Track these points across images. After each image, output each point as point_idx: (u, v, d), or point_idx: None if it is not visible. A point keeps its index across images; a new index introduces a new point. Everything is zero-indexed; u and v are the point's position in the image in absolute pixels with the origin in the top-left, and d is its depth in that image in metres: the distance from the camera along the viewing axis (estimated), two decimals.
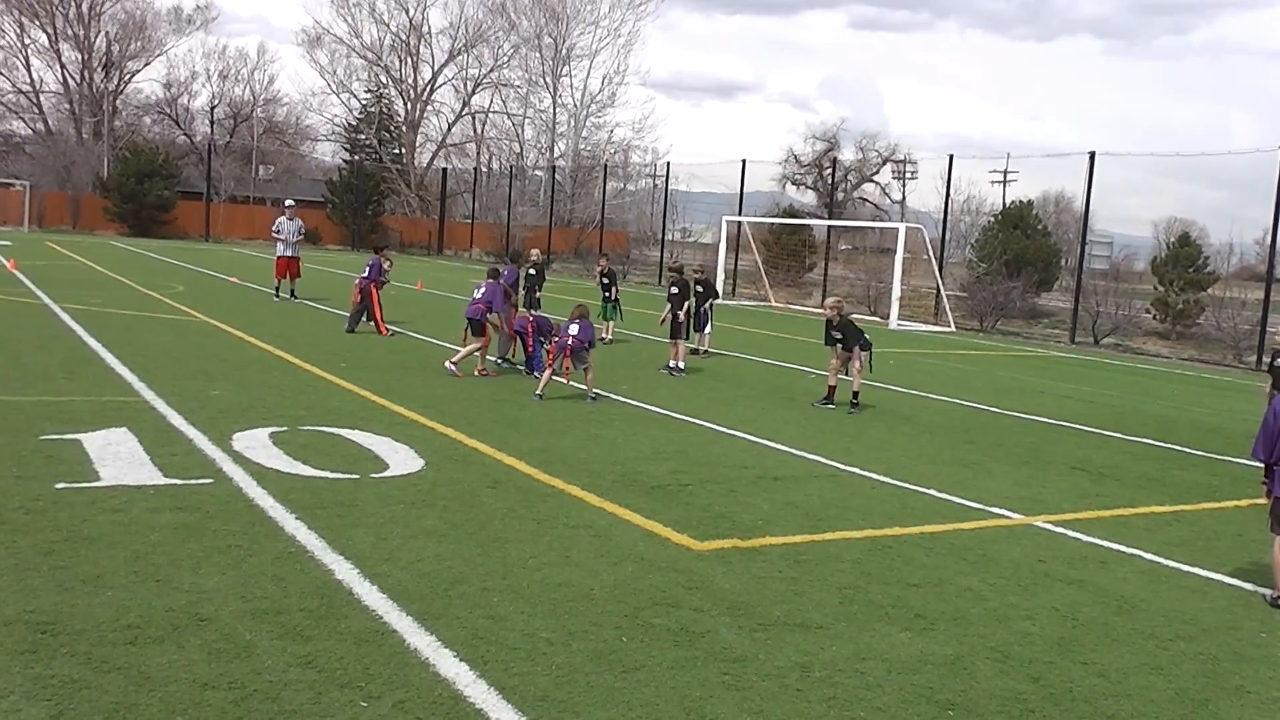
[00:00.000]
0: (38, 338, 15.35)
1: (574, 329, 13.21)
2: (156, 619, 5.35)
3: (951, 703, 5.07)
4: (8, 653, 4.84)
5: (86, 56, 73.54)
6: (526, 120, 76.70)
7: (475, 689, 4.81)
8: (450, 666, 5.02)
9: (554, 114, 74.27)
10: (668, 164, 53.59)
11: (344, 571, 6.24)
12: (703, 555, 7.10)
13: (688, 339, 16.96)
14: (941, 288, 35.16)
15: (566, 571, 6.55)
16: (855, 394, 13.94)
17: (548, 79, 73.91)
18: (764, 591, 6.45)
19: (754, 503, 8.60)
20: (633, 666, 5.20)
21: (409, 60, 76.07)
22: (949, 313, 33.71)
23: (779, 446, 11.03)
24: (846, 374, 14.14)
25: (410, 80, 76.45)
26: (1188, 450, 12.93)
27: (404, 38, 75.39)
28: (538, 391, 13.02)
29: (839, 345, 14.07)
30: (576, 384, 13.59)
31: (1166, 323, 33.93)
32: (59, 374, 12.31)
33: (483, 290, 14.78)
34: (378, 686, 4.77)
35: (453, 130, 78.53)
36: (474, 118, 78.12)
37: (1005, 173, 64.99)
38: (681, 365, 16.33)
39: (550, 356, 13.42)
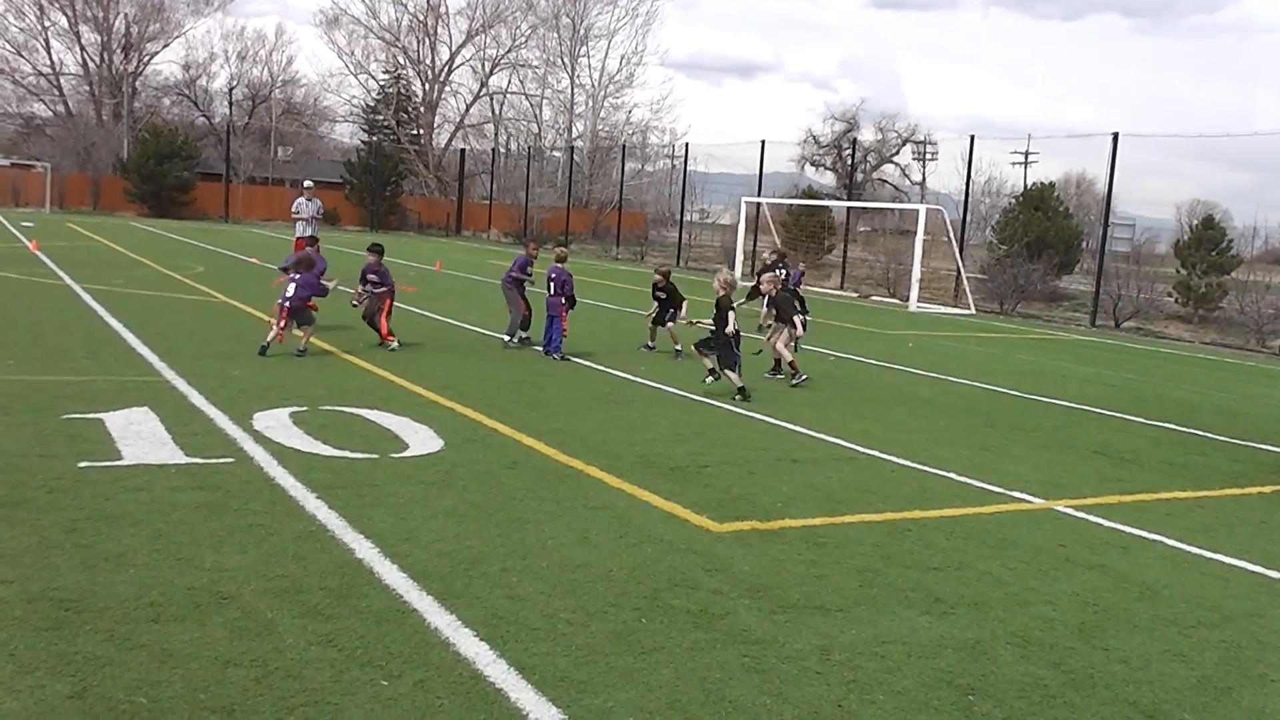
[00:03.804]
0: (59, 318, 15.43)
1: (290, 289, 13.27)
2: (179, 597, 5.38)
3: (972, 687, 5.06)
4: (32, 629, 4.88)
5: (106, 38, 73.78)
6: (544, 101, 76.78)
7: (495, 669, 4.82)
8: (470, 646, 5.04)
9: (572, 94, 74.27)
10: (686, 145, 53.50)
11: (364, 551, 6.26)
12: (722, 537, 7.09)
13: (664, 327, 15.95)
14: (962, 270, 35.01)
15: (586, 552, 6.56)
16: (788, 365, 13.80)
17: (565, 59, 73.90)
18: (784, 574, 6.44)
19: (773, 485, 8.59)
20: (652, 648, 5.20)
21: (427, 41, 76.14)
22: (969, 295, 33.58)
23: (797, 428, 11.00)
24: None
25: (428, 61, 76.50)
26: (1210, 435, 12.85)
27: (421, 18, 75.43)
28: (264, 342, 13.09)
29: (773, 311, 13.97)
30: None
31: (1189, 306, 33.73)
32: (81, 354, 12.37)
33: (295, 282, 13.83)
34: (398, 665, 4.79)
35: (471, 111, 78.63)
36: (492, 98, 78.19)
37: (1026, 154, 64.65)
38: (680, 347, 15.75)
39: (283, 316, 13.26)
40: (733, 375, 12.41)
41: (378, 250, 15.31)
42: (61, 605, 5.17)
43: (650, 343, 16.26)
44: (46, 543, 6.04)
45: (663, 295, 15.84)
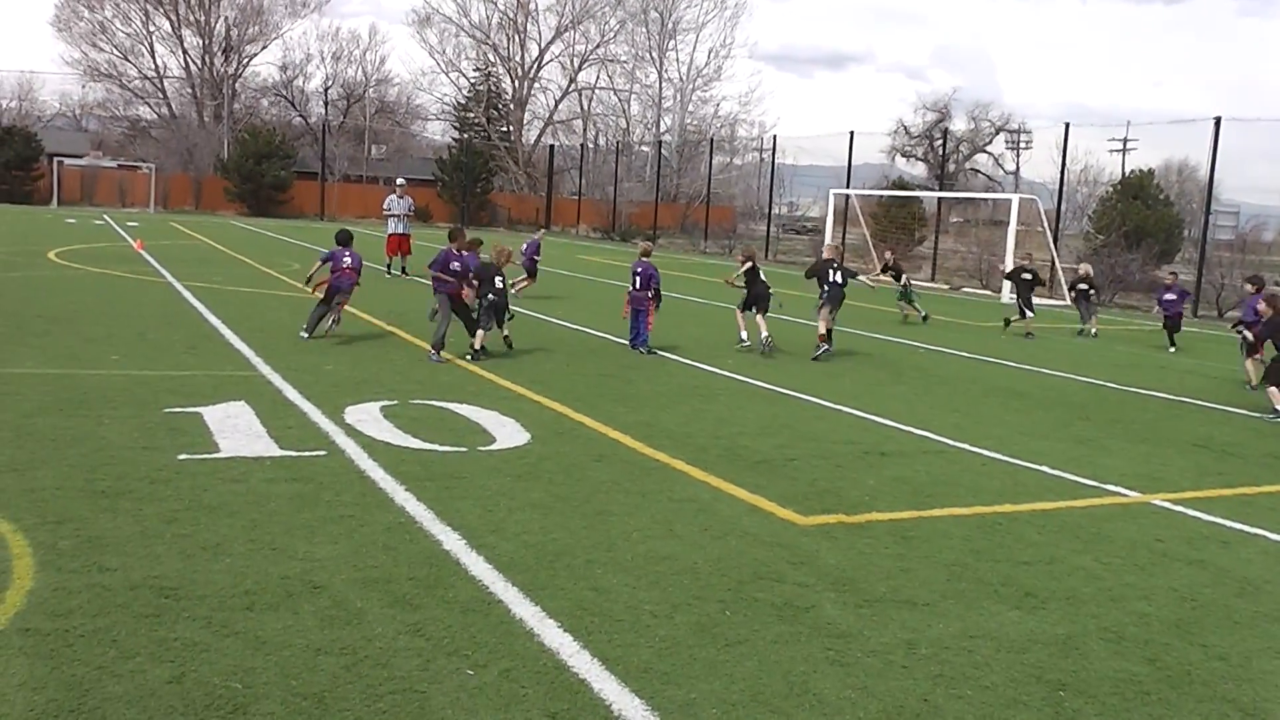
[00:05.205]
0: (162, 315, 15.90)
1: (347, 259, 14.21)
2: (272, 586, 5.52)
3: (1063, 683, 4.96)
4: (134, 616, 5.04)
5: (207, 41, 75.67)
6: (633, 96, 76.87)
7: (579, 659, 4.86)
8: (555, 637, 5.08)
9: (660, 89, 74.28)
10: (774, 137, 53.19)
11: (452, 542, 6.35)
12: (807, 530, 7.05)
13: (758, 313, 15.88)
14: (1057, 260, 34.24)
15: (670, 545, 6.57)
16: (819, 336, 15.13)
17: (654, 54, 73.92)
18: (869, 567, 6.39)
19: (860, 478, 8.51)
20: (736, 640, 5.20)
21: (516, 38, 76.72)
22: (1064, 286, 32.82)
23: (886, 421, 10.89)
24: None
25: (518, 58, 77.11)
26: None
27: (511, 16, 76.00)
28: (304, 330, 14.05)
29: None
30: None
31: None
32: (181, 349, 12.74)
33: (350, 257, 14.36)
34: (484, 655, 4.85)
35: (559, 107, 79.05)
36: (580, 94, 78.51)
37: (1125, 141, 62.93)
38: (750, 336, 15.70)
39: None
40: (475, 336, 13.37)
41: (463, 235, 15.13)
42: (161, 593, 5.34)
43: (744, 336, 15.60)
44: (147, 532, 6.24)
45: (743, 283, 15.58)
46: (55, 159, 58.55)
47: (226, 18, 76.14)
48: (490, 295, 13.52)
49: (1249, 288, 15.27)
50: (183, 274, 22.12)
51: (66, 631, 4.84)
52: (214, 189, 62.00)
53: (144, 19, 74.52)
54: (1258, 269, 32.92)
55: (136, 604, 5.18)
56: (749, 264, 15.66)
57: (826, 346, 15.18)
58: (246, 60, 78.25)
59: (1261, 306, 14.39)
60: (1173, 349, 19.88)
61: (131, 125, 75.27)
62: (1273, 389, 12.92)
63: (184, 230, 40.91)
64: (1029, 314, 21.20)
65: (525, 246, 21.51)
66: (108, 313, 15.77)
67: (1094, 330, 21.95)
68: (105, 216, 47.87)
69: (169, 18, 74.60)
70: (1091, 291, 22.52)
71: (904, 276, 22.35)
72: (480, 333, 13.41)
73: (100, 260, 24.85)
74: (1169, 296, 20.44)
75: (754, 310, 15.50)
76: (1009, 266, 24.03)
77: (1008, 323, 21.59)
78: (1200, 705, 4.85)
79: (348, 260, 14.28)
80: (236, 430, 8.78)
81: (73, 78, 79.19)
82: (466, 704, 4.41)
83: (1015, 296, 21.93)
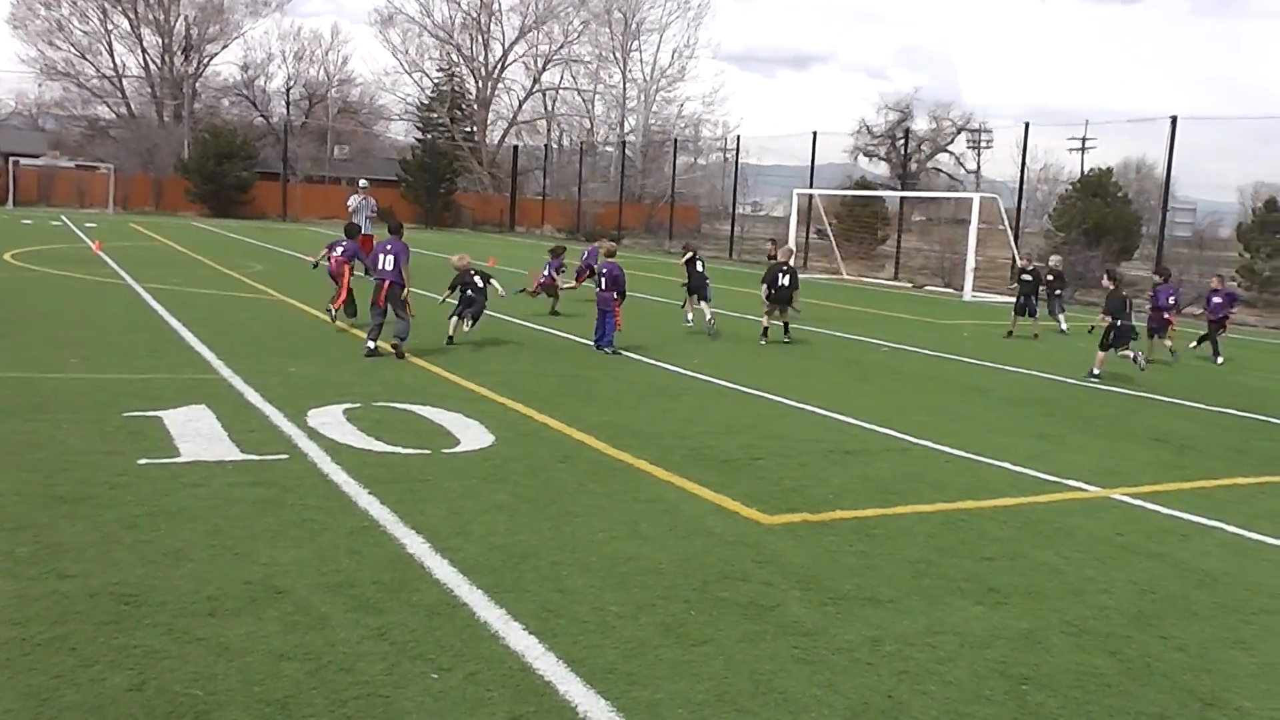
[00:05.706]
0: (122, 317, 15.72)
1: (339, 249, 15.98)
2: (235, 591, 5.47)
3: (1025, 677, 5.00)
4: (94, 623, 4.98)
5: (167, 40, 74.87)
6: (596, 96, 76.78)
7: (544, 661, 4.85)
8: (520, 639, 5.07)
9: (624, 89, 74.17)
10: (738, 138, 53.32)
11: (416, 545, 6.32)
12: (772, 529, 7.07)
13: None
14: (1017, 258, 34.53)
15: (636, 545, 6.57)
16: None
17: (617, 54, 73.82)
18: (834, 565, 6.41)
19: (825, 476, 8.55)
20: (702, 640, 5.20)
21: (480, 38, 76.36)
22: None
23: (851, 420, 10.94)
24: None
25: (481, 58, 76.77)
26: (1275, 420, 12.59)
27: (474, 15, 75.68)
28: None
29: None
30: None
31: (1253, 290, 33.01)
32: (142, 352, 12.60)
33: (342, 248, 16.12)
34: (449, 658, 4.83)
35: (523, 107, 78.82)
36: (544, 95, 78.36)
37: (1084, 140, 63.62)
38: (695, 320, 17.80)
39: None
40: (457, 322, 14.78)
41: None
42: (122, 599, 5.28)
43: (689, 318, 17.89)
44: (108, 538, 6.16)
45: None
46: (11, 159, 57.80)
47: (186, 16, 75.38)
48: (469, 292, 14.64)
49: (1157, 279, 16.53)
50: (143, 276, 21.88)
51: (24, 640, 4.78)
52: (174, 190, 61.40)
53: (102, 17, 73.61)
54: (1215, 264, 33.40)
55: (96, 611, 5.12)
56: (690, 255, 17.83)
57: (776, 339, 16.84)
58: (207, 60, 77.54)
59: (1116, 285, 15.19)
60: (1220, 360, 18.03)
61: (90, 125, 74.30)
62: (1101, 353, 14.89)
63: (144, 231, 40.47)
64: (1032, 316, 20.90)
65: (585, 253, 22.44)
66: (66, 315, 15.58)
67: (1064, 326, 21.99)
68: (63, 217, 47.27)
69: (127, 16, 73.72)
70: (1059, 290, 22.53)
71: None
72: (453, 320, 14.73)
73: (58, 262, 24.54)
74: (1216, 300, 19.02)
75: (695, 297, 17.61)
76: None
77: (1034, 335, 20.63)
78: (1160, 696, 4.90)
79: (339, 250, 16.16)
80: (198, 434, 8.70)
81: (29, 76, 78.08)
82: (432, 708, 4.39)
83: (1016, 298, 21.12)
